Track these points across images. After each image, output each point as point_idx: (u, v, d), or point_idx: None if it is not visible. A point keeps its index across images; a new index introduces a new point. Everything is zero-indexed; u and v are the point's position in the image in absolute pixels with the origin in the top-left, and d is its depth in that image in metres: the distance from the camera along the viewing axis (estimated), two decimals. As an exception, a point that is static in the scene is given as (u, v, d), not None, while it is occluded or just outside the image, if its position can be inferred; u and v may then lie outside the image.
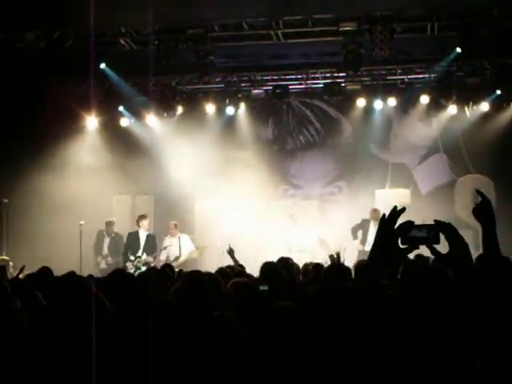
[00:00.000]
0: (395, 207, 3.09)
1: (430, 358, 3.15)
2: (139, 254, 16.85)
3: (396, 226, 3.05)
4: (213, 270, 9.73)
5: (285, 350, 2.76)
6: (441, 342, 3.16)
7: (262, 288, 6.49)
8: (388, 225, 3.05)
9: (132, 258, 16.75)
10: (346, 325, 3.09)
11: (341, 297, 4.01)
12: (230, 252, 11.65)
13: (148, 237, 17.18)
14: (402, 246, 3.04)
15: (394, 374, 3.12)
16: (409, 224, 3.06)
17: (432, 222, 3.15)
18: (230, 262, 11.20)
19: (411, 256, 3.78)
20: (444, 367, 3.09)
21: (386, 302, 3.17)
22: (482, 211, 3.36)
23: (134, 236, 17.28)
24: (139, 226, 17.31)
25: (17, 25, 15.36)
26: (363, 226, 17.34)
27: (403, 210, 3.10)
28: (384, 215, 3.10)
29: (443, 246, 3.09)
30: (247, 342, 2.88)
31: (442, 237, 3.10)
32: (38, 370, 4.09)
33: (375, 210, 17.16)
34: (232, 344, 4.60)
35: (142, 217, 17.47)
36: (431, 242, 3.04)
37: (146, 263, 16.54)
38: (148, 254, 16.84)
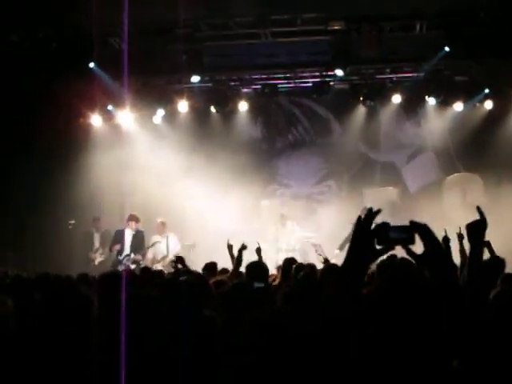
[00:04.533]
0: (371, 209, 3.13)
1: (407, 357, 3.18)
2: (127, 252, 16.86)
3: (372, 227, 3.09)
4: (200, 268, 9.78)
5: (278, 353, 2.79)
6: (417, 340, 3.18)
7: (257, 285, 6.52)
8: (364, 226, 3.09)
9: (120, 256, 16.77)
10: (329, 327, 3.11)
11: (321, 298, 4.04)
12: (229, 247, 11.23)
13: (135, 234, 17.18)
14: (377, 247, 3.08)
15: (372, 375, 3.15)
16: (384, 225, 3.10)
17: (417, 221, 3.19)
18: (217, 260, 11.10)
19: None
20: (420, 366, 3.12)
21: (363, 301, 3.20)
22: (476, 230, 3.41)
23: (119, 234, 17.32)
24: (127, 225, 17.37)
25: (1, 25, 15.34)
26: None
27: (378, 211, 3.14)
28: (360, 217, 3.14)
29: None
30: (241, 343, 2.91)
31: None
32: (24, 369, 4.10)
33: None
34: (218, 343, 4.62)
35: (131, 217, 17.49)
36: (406, 242, 3.09)
37: (135, 261, 16.56)
38: (136, 253, 16.86)
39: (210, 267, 10.01)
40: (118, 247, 17.07)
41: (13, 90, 17.26)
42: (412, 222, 3.14)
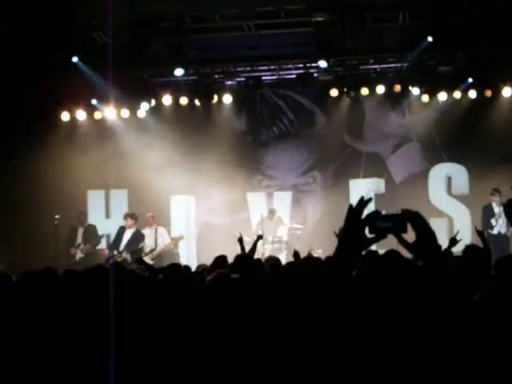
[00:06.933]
0: (362, 197, 3.13)
1: (397, 350, 3.18)
2: (121, 249, 16.76)
3: (364, 216, 3.09)
4: (188, 261, 9.77)
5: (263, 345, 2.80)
6: (408, 332, 3.19)
7: (233, 276, 6.53)
8: (355, 214, 3.09)
9: (115, 252, 16.68)
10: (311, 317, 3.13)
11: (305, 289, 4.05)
12: (240, 240, 11.53)
13: (133, 233, 16.99)
14: (369, 236, 3.07)
15: (361, 366, 3.16)
16: (376, 214, 3.09)
17: (409, 209, 3.18)
18: (203, 253, 11.14)
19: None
20: (412, 359, 3.13)
21: (353, 292, 3.20)
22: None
23: (120, 231, 17.15)
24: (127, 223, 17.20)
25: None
26: (487, 211, 17.28)
27: (370, 200, 3.14)
28: (351, 205, 3.14)
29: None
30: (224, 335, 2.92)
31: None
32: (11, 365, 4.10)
33: (495, 190, 17.16)
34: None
35: (126, 215, 17.30)
36: (398, 230, 3.08)
37: (123, 259, 16.39)
38: (125, 250, 16.70)
39: (220, 260, 9.96)
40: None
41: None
42: (404, 211, 3.13)
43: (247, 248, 10.81)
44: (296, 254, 10.72)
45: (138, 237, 16.95)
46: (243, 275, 6.71)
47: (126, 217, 17.19)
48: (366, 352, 3.18)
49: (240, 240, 11.23)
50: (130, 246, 16.76)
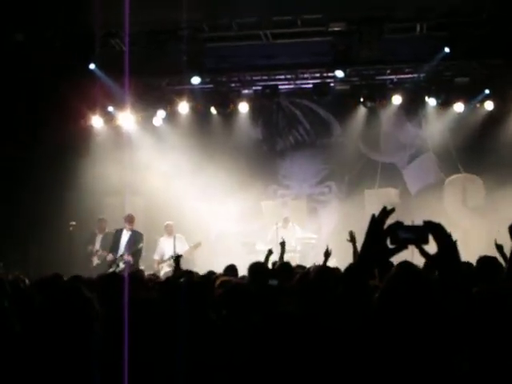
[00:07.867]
0: (385, 207, 3.12)
1: (416, 361, 3.17)
2: (121, 252, 16.75)
3: (386, 226, 3.07)
4: (203, 268, 9.75)
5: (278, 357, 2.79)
6: (426, 344, 3.17)
7: (271, 282, 6.52)
8: (377, 225, 3.08)
9: (115, 256, 16.69)
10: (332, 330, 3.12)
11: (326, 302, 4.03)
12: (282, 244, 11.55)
13: (130, 235, 16.98)
14: (390, 246, 3.05)
15: (380, 379, 3.14)
16: (398, 224, 3.08)
17: (421, 222, 3.17)
18: (218, 261, 11.10)
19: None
20: (430, 369, 3.11)
21: (370, 305, 3.19)
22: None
23: (117, 234, 17.16)
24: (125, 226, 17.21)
25: (6, 25, 15.35)
26: None
27: (392, 210, 3.12)
28: (373, 215, 3.12)
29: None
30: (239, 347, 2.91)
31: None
32: (28, 371, 4.10)
33: None
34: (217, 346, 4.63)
35: (126, 217, 17.26)
36: (420, 242, 3.06)
37: (126, 262, 16.34)
38: (127, 252, 16.69)
39: (231, 269, 9.97)
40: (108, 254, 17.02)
41: (16, 90, 17.28)
42: (426, 222, 3.11)
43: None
44: (327, 252, 10.76)
45: (136, 237, 16.94)
46: (281, 281, 6.69)
47: (128, 219, 17.11)
48: (385, 361, 3.17)
49: (282, 244, 11.29)
50: (131, 247, 16.76)
